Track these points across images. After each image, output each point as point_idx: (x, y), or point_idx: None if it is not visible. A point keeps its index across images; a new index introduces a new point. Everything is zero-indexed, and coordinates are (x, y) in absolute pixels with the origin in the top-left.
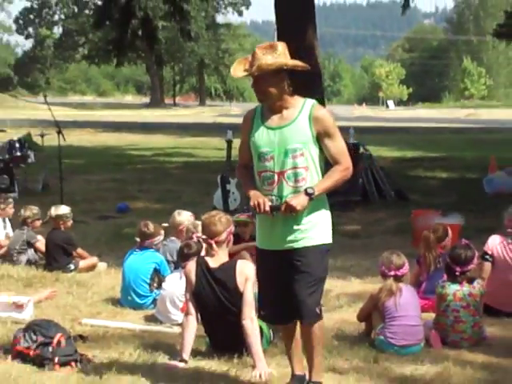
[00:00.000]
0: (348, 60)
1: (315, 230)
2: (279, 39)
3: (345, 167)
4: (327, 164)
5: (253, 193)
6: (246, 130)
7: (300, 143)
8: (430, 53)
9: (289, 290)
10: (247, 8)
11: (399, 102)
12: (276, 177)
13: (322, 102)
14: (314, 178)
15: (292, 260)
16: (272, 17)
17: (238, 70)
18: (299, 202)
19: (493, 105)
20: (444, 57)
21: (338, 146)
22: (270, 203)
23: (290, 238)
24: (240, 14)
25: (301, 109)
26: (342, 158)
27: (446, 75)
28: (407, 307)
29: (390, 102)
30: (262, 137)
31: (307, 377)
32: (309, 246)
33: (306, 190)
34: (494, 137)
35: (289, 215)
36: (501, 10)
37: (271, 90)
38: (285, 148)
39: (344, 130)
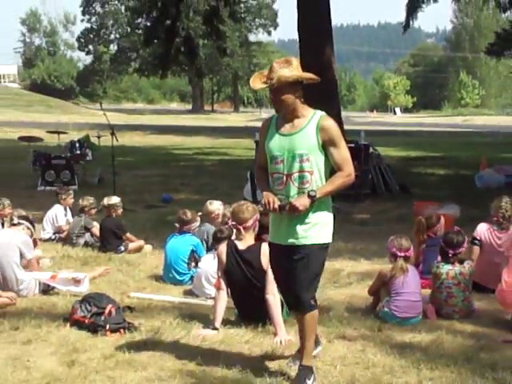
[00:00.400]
0: (361, 73)
1: (315, 229)
2: (302, 56)
3: (347, 174)
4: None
5: (265, 193)
6: (263, 135)
7: (306, 149)
8: (431, 67)
9: (289, 281)
10: (275, 29)
11: (405, 110)
12: (285, 178)
13: (338, 109)
14: (317, 182)
15: (293, 255)
16: (296, 36)
17: (256, 83)
18: (302, 203)
19: (485, 112)
20: (443, 71)
21: (341, 154)
22: (278, 202)
23: (293, 234)
24: (269, 33)
25: (310, 119)
26: (344, 166)
27: (445, 86)
28: (410, 284)
29: (397, 110)
30: (275, 142)
31: (299, 362)
32: (308, 244)
33: (308, 192)
34: (485, 140)
35: (293, 214)
36: (492, 31)
37: (287, 99)
38: (293, 153)
39: (356, 133)
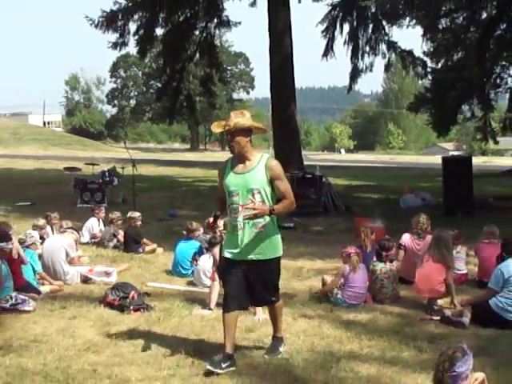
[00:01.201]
0: (316, 123)
1: (269, 248)
2: (273, 109)
3: (290, 202)
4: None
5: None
6: (221, 175)
7: (258, 184)
8: (367, 119)
9: (249, 288)
10: (252, 89)
11: (348, 150)
12: (240, 208)
13: (299, 149)
14: None
15: (252, 267)
16: (269, 95)
17: (216, 128)
18: (263, 207)
19: (406, 153)
20: (376, 122)
21: (285, 186)
22: (211, 219)
23: (252, 252)
24: (248, 93)
25: (259, 160)
26: (288, 195)
27: (378, 133)
28: (360, 279)
29: (342, 150)
30: (230, 179)
31: (272, 335)
32: (264, 259)
33: (270, 206)
34: (406, 173)
35: (250, 232)
36: (411, 94)
37: (240, 142)
38: (247, 188)
39: (313, 167)
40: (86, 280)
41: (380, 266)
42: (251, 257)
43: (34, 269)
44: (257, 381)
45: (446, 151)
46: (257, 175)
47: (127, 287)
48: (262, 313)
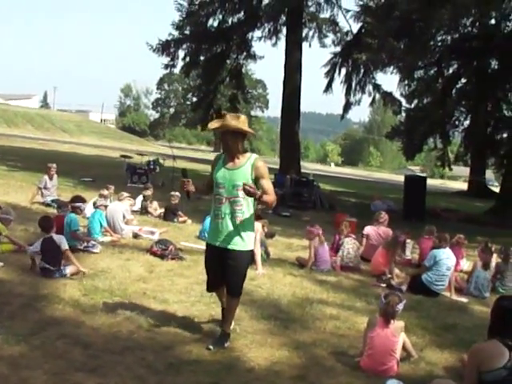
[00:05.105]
0: (314, 141)
1: (241, 240)
2: (281, 126)
3: (274, 198)
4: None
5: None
6: (214, 166)
7: (241, 181)
8: (354, 142)
9: (222, 274)
10: (267, 109)
11: (336, 164)
12: (224, 199)
13: (299, 159)
14: (248, 206)
15: (226, 255)
16: (279, 114)
17: (215, 124)
18: (256, 191)
19: (382, 171)
20: (361, 144)
21: (268, 185)
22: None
23: (226, 241)
24: (263, 111)
25: (247, 160)
26: (271, 193)
27: (361, 154)
28: (325, 250)
29: (332, 164)
30: (221, 174)
31: (221, 328)
32: (235, 250)
33: (260, 193)
34: (379, 186)
35: (231, 223)
36: (390, 125)
37: (233, 142)
38: (232, 183)
39: (307, 174)
40: (136, 236)
41: (347, 240)
42: (225, 245)
43: (101, 224)
44: (255, 309)
45: (414, 173)
46: (242, 173)
47: (167, 242)
48: (261, 268)
